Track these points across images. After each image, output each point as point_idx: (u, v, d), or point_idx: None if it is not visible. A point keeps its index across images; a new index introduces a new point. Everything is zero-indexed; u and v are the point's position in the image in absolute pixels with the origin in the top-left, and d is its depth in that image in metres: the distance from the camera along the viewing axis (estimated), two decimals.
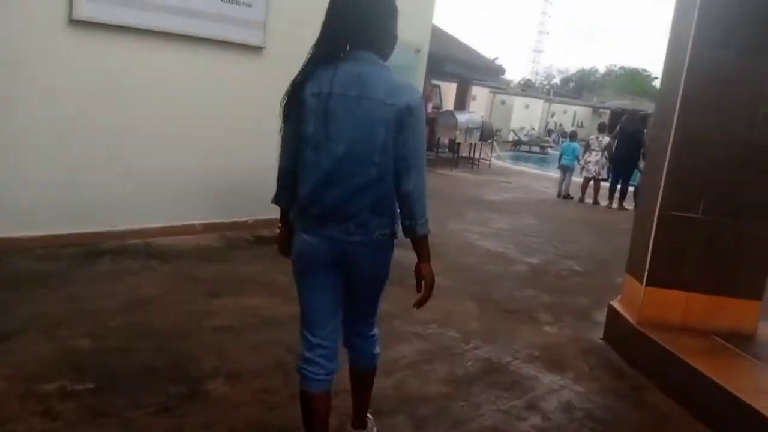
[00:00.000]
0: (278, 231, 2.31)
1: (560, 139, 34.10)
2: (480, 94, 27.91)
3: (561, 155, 11.67)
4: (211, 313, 3.84)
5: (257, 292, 4.29)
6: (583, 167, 11.02)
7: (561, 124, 36.15)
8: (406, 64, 7.01)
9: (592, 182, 10.97)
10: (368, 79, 1.95)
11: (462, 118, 15.00)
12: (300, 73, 2.03)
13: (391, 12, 2.05)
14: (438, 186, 10.85)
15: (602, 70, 66.95)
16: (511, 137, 28.42)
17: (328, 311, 2.13)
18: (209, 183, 5.60)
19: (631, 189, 10.75)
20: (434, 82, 17.79)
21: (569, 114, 38.71)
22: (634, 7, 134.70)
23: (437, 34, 17.64)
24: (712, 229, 3.56)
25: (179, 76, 5.24)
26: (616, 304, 4.05)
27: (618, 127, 10.98)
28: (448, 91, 23.32)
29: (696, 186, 3.55)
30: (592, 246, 7.25)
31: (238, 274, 4.66)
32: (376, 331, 2.32)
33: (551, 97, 39.25)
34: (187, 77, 5.29)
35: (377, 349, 2.34)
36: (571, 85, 62.03)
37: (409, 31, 5.42)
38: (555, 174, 17.42)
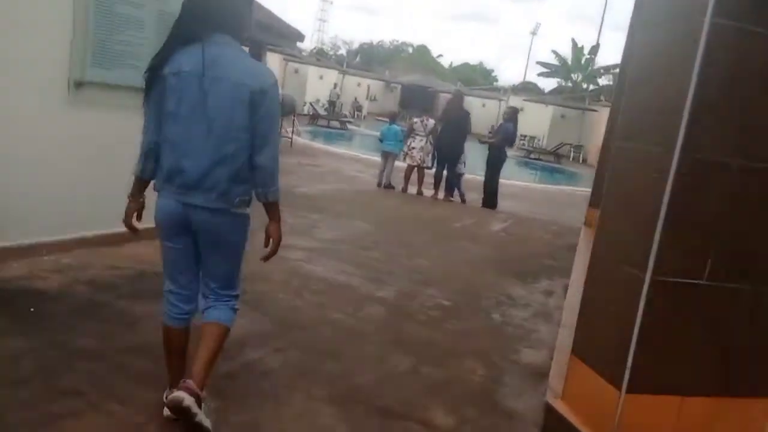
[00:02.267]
0: (128, 202, 2.37)
1: (355, 113, 33.52)
2: (272, 61, 25.61)
3: (381, 140, 10.31)
4: None
5: None
6: (406, 154, 9.81)
7: (356, 98, 35.57)
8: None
9: (415, 170, 9.85)
10: (225, 60, 2.15)
11: None
12: (159, 53, 2.20)
13: (248, 1, 2.32)
14: None
15: (387, 44, 68.45)
16: (306, 110, 26.79)
17: (185, 267, 2.34)
18: None
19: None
20: None
21: (363, 87, 38.35)
22: None
23: None
24: (718, 301, 2.31)
25: None
26: (559, 405, 2.66)
27: (442, 110, 9.95)
28: None
29: (702, 238, 2.25)
30: (441, 258, 5.96)
31: None
32: (236, 293, 2.42)
33: (345, 68, 38.38)
34: None
35: (233, 316, 2.41)
36: (358, 58, 62.12)
37: None
38: (362, 154, 16.37)
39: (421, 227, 7.47)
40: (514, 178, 15.67)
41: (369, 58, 60.34)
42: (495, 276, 5.58)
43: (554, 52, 38.25)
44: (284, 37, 16.33)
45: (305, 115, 25.56)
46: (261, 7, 14.93)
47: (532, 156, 26.66)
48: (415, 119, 9.98)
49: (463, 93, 10.48)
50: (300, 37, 17.66)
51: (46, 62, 3.92)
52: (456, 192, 10.08)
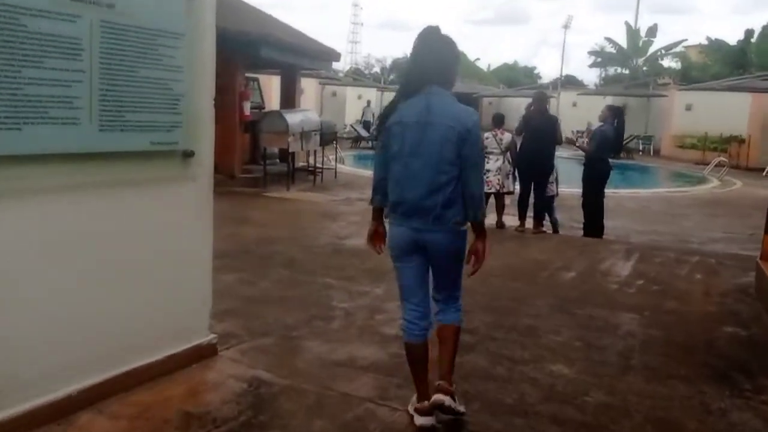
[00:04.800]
0: (370, 227, 2.95)
1: None
2: (307, 86, 24.00)
3: None
4: None
5: None
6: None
7: None
8: (166, 27, 2.95)
9: (492, 197, 7.75)
10: (437, 108, 2.67)
11: (293, 119, 11.07)
12: (388, 106, 2.83)
13: (457, 58, 2.86)
14: (269, 228, 6.87)
15: None
16: (348, 133, 25.04)
17: (417, 284, 2.80)
18: None
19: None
20: (249, 75, 13.57)
21: None
22: None
23: (243, 9, 13.30)
24: None
25: None
26: None
27: (522, 118, 7.84)
28: (270, 85, 19.09)
29: None
30: (583, 353, 3.79)
31: None
32: (460, 303, 2.89)
33: (384, 85, 36.64)
34: None
35: (461, 316, 2.88)
36: (393, 74, 59.77)
37: None
38: None
39: (525, 285, 5.36)
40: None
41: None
42: (687, 384, 3.39)
43: (608, 39, 35.47)
44: (319, 58, 14.59)
45: (347, 138, 23.81)
46: (293, 31, 13.27)
47: None
48: (487, 134, 7.90)
49: (547, 95, 8.31)
50: (335, 56, 15.86)
51: None
52: (546, 219, 7.95)
